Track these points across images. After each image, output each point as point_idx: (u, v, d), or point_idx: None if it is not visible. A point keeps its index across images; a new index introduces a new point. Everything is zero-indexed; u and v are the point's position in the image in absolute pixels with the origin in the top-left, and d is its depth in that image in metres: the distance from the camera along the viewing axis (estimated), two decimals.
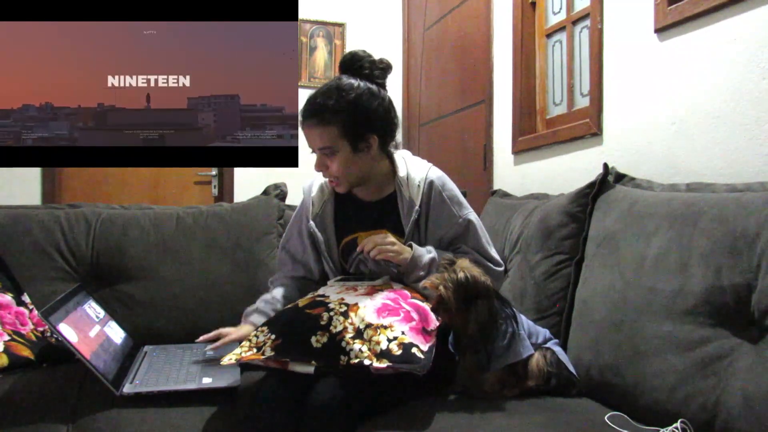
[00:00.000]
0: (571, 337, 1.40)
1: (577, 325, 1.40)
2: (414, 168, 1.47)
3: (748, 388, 0.97)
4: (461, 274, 1.18)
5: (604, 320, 1.29)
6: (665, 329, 1.14)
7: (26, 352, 1.49)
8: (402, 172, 1.45)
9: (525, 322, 1.32)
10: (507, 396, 1.22)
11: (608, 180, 1.55)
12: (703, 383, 1.04)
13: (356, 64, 1.42)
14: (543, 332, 1.35)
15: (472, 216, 1.48)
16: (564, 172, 2.00)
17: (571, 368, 1.29)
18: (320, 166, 1.42)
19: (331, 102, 1.35)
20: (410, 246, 1.38)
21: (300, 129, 1.44)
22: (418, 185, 1.43)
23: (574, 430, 1.07)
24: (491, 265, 1.46)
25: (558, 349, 1.32)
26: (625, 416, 1.12)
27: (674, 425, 1.03)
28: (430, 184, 1.43)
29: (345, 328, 1.18)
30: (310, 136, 1.40)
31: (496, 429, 1.08)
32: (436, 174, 1.47)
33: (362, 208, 1.48)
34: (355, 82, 1.38)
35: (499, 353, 1.21)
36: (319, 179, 1.53)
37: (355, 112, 1.36)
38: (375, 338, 1.16)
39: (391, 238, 1.37)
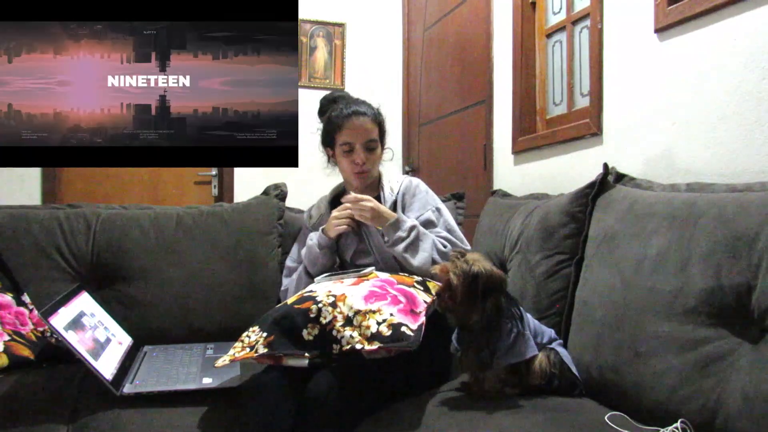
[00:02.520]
0: (571, 337, 1.40)
1: (577, 325, 1.40)
2: (393, 177, 1.75)
3: (748, 388, 0.97)
4: (475, 267, 1.17)
5: (604, 320, 1.29)
6: (665, 329, 1.14)
7: (26, 352, 1.49)
8: (385, 179, 1.73)
9: (531, 321, 1.31)
10: (507, 395, 1.22)
11: (608, 180, 1.55)
12: (703, 383, 1.04)
13: None
14: (549, 332, 1.35)
15: (441, 204, 1.69)
16: (564, 172, 2.00)
17: (574, 370, 1.29)
18: (364, 157, 1.62)
19: (374, 111, 1.67)
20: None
21: (347, 121, 1.61)
22: (398, 181, 1.70)
23: (574, 430, 1.07)
24: (460, 244, 1.60)
25: (562, 350, 1.32)
26: (625, 416, 1.11)
27: (674, 425, 1.03)
28: (409, 181, 1.70)
29: (334, 318, 1.21)
30: (362, 128, 1.62)
31: (497, 428, 1.08)
32: (412, 177, 1.74)
33: None
34: None
35: (502, 352, 1.21)
36: (317, 204, 1.76)
37: (383, 124, 1.70)
38: (365, 323, 1.19)
39: (373, 203, 1.54)
